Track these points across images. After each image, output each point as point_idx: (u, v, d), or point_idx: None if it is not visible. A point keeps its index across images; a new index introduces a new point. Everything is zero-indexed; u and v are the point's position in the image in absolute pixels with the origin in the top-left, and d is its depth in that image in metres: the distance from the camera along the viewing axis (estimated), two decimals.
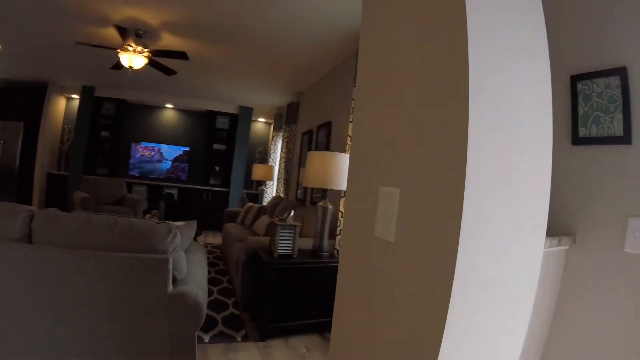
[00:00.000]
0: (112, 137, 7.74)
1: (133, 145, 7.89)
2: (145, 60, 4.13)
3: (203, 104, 8.08)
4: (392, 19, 1.00)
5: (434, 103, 0.81)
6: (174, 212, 7.15)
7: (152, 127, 8.24)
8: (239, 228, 5.38)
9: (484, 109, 0.72)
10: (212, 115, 8.29)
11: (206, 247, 6.00)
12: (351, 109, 3.69)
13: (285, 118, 7.02)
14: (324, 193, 3.37)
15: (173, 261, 1.82)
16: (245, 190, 8.42)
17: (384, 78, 1.04)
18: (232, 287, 4.08)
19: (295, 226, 3.09)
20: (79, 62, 5.63)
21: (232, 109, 8.27)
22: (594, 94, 1.60)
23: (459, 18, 0.73)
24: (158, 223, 1.91)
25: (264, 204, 7.18)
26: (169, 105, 8.20)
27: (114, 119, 7.74)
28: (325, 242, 3.31)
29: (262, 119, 9.19)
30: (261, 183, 7.96)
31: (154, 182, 7.83)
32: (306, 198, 5.58)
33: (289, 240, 3.07)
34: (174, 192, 7.83)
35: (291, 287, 3.01)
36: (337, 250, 3.63)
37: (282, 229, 3.03)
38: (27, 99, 7.03)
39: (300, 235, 3.24)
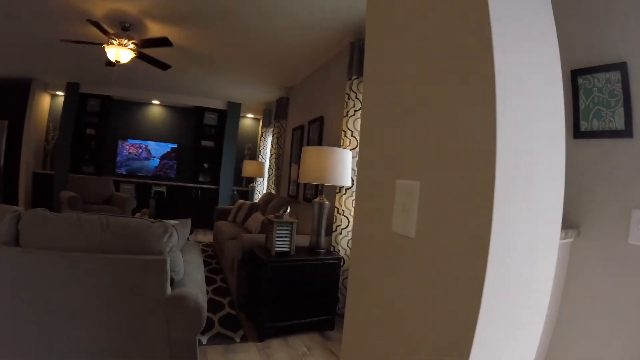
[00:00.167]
0: (98, 135, 7.54)
1: (120, 142, 7.70)
2: (133, 54, 3.99)
3: (190, 100, 7.92)
4: None
5: (457, 85, 0.75)
6: (164, 210, 7.01)
7: (139, 124, 8.06)
8: (231, 226, 5.29)
9: (510, 93, 0.68)
10: (199, 112, 8.15)
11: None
12: (345, 103, 3.64)
13: (275, 113, 6.92)
14: (320, 189, 3.30)
15: (170, 262, 1.73)
16: (235, 188, 8.31)
17: (398, 60, 0.98)
18: (226, 286, 4.00)
19: (292, 223, 3.02)
20: (64, 58, 5.45)
21: (220, 105, 8.14)
22: (595, 88, 1.61)
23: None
24: (153, 222, 1.82)
25: (255, 200, 7.08)
26: (155, 102, 8.03)
27: (100, 116, 7.54)
28: (323, 239, 3.25)
29: (250, 115, 9.07)
30: (251, 180, 7.85)
31: (142, 180, 7.67)
32: (299, 194, 5.51)
33: (286, 237, 3.01)
34: (164, 190, 7.69)
35: (289, 286, 2.94)
36: (334, 247, 3.58)
37: (278, 226, 2.96)
38: (11, 97, 6.80)
39: (296, 232, 3.17)
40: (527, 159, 0.70)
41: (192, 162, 8.22)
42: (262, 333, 2.84)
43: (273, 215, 3.12)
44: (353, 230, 1.17)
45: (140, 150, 7.84)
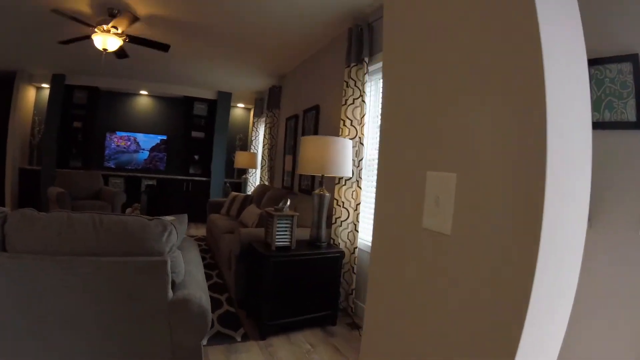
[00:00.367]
0: (85, 128, 7.28)
1: (108, 135, 7.48)
2: (121, 42, 3.81)
3: (179, 89, 7.71)
4: None
5: (506, 70, 0.68)
6: (156, 204, 6.85)
7: (127, 115, 7.82)
8: (225, 219, 5.16)
9: (555, 79, 0.62)
10: (189, 102, 7.95)
11: None
12: (343, 92, 3.52)
13: (267, 103, 6.76)
14: (320, 180, 3.19)
15: (171, 263, 1.62)
16: (227, 179, 8.16)
17: (435, 40, 0.88)
18: (223, 282, 3.89)
19: (292, 216, 2.92)
20: (49, 48, 5.21)
21: (210, 95, 7.95)
22: (607, 79, 1.61)
23: None
24: (150, 220, 1.70)
25: (249, 192, 6.95)
26: (143, 92, 7.79)
27: (87, 108, 7.27)
28: (323, 232, 3.15)
29: (241, 105, 8.88)
30: (243, 171, 7.71)
31: (131, 174, 7.48)
32: (294, 185, 5.39)
33: (287, 231, 2.90)
34: (154, 183, 7.51)
35: (290, 281, 2.85)
36: (333, 240, 3.49)
37: (279, 219, 2.85)
38: None
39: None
40: (568, 146, 0.65)
41: (182, 153, 8.04)
42: (264, 331, 2.75)
43: (272, 208, 3.01)
44: (374, 225, 1.08)
45: (129, 143, 7.63)
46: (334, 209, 3.54)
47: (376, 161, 3.43)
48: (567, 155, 0.63)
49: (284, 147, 5.94)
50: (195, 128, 8.04)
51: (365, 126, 3.38)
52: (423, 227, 0.85)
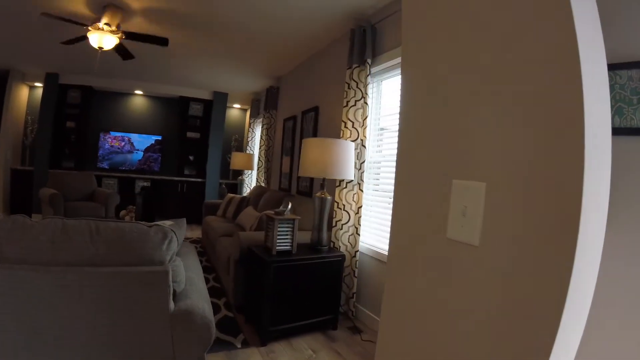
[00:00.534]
0: (79, 128, 7.15)
1: (101, 135, 7.35)
2: (117, 40, 3.71)
3: (175, 90, 7.60)
4: None
5: (542, 73, 0.65)
6: (150, 207, 6.73)
7: (121, 115, 7.71)
8: (222, 221, 5.08)
9: (591, 81, 0.60)
10: (184, 102, 7.85)
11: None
12: (345, 93, 3.46)
13: (265, 104, 6.67)
14: (322, 183, 3.12)
15: (172, 272, 1.54)
16: (222, 180, 8.07)
17: (462, 38, 0.83)
18: (220, 286, 3.81)
19: (294, 220, 2.85)
20: (43, 45, 5.10)
21: (205, 95, 7.85)
22: (617, 85, 1.60)
23: None
24: (150, 227, 1.62)
25: (245, 194, 6.86)
26: (138, 92, 7.68)
27: (80, 107, 7.14)
28: (325, 235, 3.08)
29: (237, 105, 8.79)
30: (239, 172, 7.62)
31: (125, 175, 7.37)
32: (291, 187, 5.32)
33: (288, 235, 2.83)
34: (148, 184, 7.40)
35: (292, 286, 2.78)
36: (334, 243, 3.42)
37: (280, 223, 2.78)
38: None
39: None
40: (599, 155, 0.62)
41: (177, 154, 7.94)
42: (265, 337, 2.68)
43: (273, 212, 2.94)
44: (392, 234, 1.04)
45: (123, 143, 7.52)
46: (334, 212, 3.47)
47: (377, 164, 3.39)
48: (598, 164, 0.61)
49: (282, 149, 5.87)
50: (190, 128, 7.94)
51: (367, 128, 3.32)
52: (447, 238, 0.82)
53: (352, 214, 3.39)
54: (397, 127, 3.35)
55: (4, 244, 1.41)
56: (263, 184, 6.34)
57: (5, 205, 6.70)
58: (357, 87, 3.33)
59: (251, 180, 7.43)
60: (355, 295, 3.34)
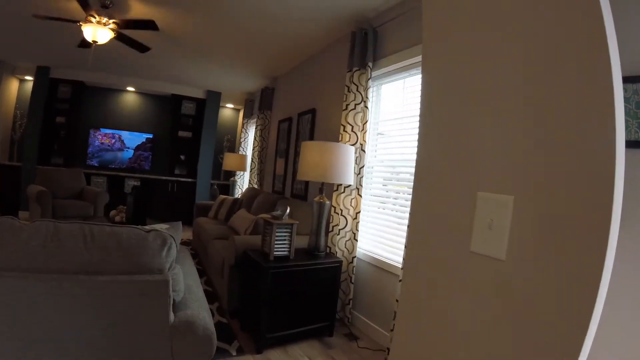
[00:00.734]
0: (69, 123, 6.95)
1: (91, 132, 7.19)
2: (112, 34, 3.61)
3: (168, 87, 7.48)
4: None
5: (574, 82, 0.65)
6: (141, 207, 6.59)
7: (113, 112, 7.55)
8: (214, 223, 4.98)
9: (619, 94, 0.61)
10: (177, 100, 7.72)
11: None
12: (344, 96, 3.41)
13: (259, 104, 6.59)
14: (321, 187, 3.06)
15: (172, 281, 1.46)
16: (213, 181, 7.96)
17: (488, 44, 0.82)
18: (212, 290, 3.73)
19: (292, 224, 2.78)
20: (35, 38, 4.95)
21: (198, 94, 7.74)
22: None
23: None
24: (147, 232, 1.55)
25: (237, 196, 6.77)
26: (130, 89, 7.53)
27: (71, 103, 6.94)
28: (322, 240, 3.02)
29: (230, 105, 8.69)
30: (231, 173, 7.51)
31: (115, 173, 7.22)
32: (285, 190, 5.25)
33: (286, 240, 2.77)
34: (139, 183, 7.26)
35: (289, 292, 2.72)
36: (330, 248, 3.36)
37: (278, 228, 2.71)
38: None
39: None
40: (621, 170, 0.62)
41: (168, 153, 7.80)
42: (260, 344, 2.61)
43: (270, 215, 2.87)
44: (408, 245, 1.02)
45: (114, 141, 7.37)
46: (331, 217, 3.41)
47: (376, 168, 3.34)
48: (620, 179, 0.61)
49: (276, 150, 5.79)
50: (182, 127, 7.81)
51: (367, 133, 3.27)
52: (471, 251, 0.81)
53: (349, 219, 3.33)
54: (395, 133, 3.30)
55: None
56: (256, 186, 6.25)
57: None
58: (357, 90, 3.28)
59: (243, 182, 7.34)
60: (351, 301, 3.28)
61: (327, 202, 3.01)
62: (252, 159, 6.58)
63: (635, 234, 1.56)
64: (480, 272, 0.78)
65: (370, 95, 3.28)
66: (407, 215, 2.82)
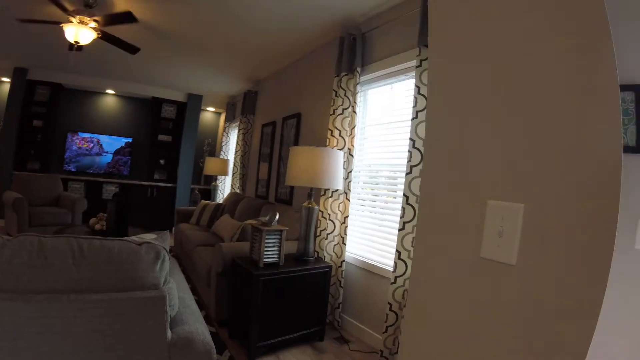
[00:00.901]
0: (46, 127, 6.67)
1: (69, 136, 6.95)
2: (95, 34, 3.51)
3: (148, 90, 7.31)
4: None
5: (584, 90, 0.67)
6: (123, 215, 6.43)
7: (91, 115, 7.32)
8: (196, 229, 4.89)
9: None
10: (157, 103, 7.56)
11: None
12: (332, 101, 3.40)
13: (242, 108, 6.52)
14: (310, 192, 3.04)
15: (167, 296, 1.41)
16: (194, 186, 7.83)
17: (495, 49, 0.83)
18: (197, 299, 3.65)
19: (282, 230, 2.75)
20: (13, 38, 4.76)
21: (179, 97, 7.61)
22: None
23: None
24: (139, 244, 1.49)
25: (219, 201, 6.67)
26: (110, 91, 7.33)
27: (48, 105, 6.67)
28: (311, 246, 3.00)
29: (211, 109, 8.58)
30: (212, 178, 7.40)
31: (93, 178, 7.02)
32: (269, 195, 5.20)
33: (275, 246, 2.73)
34: (118, 189, 7.08)
35: (280, 299, 2.68)
36: (318, 253, 3.34)
37: (267, 234, 2.67)
38: None
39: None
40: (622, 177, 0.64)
41: (147, 158, 7.61)
42: (252, 353, 2.56)
43: (258, 221, 2.83)
44: (415, 253, 1.02)
45: (92, 145, 7.17)
46: (319, 222, 3.39)
47: (364, 172, 3.33)
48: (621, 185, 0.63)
49: (259, 155, 5.74)
50: (162, 131, 7.65)
51: (355, 137, 3.26)
52: (481, 257, 0.82)
53: (337, 223, 3.32)
54: (380, 137, 3.29)
55: None
56: (238, 191, 6.18)
57: None
58: (345, 95, 3.27)
59: (224, 187, 7.24)
60: (341, 305, 3.27)
61: (316, 207, 2.99)
62: (234, 163, 6.50)
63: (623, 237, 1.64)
64: (491, 277, 0.80)
65: (358, 100, 3.27)
66: (394, 218, 2.84)
